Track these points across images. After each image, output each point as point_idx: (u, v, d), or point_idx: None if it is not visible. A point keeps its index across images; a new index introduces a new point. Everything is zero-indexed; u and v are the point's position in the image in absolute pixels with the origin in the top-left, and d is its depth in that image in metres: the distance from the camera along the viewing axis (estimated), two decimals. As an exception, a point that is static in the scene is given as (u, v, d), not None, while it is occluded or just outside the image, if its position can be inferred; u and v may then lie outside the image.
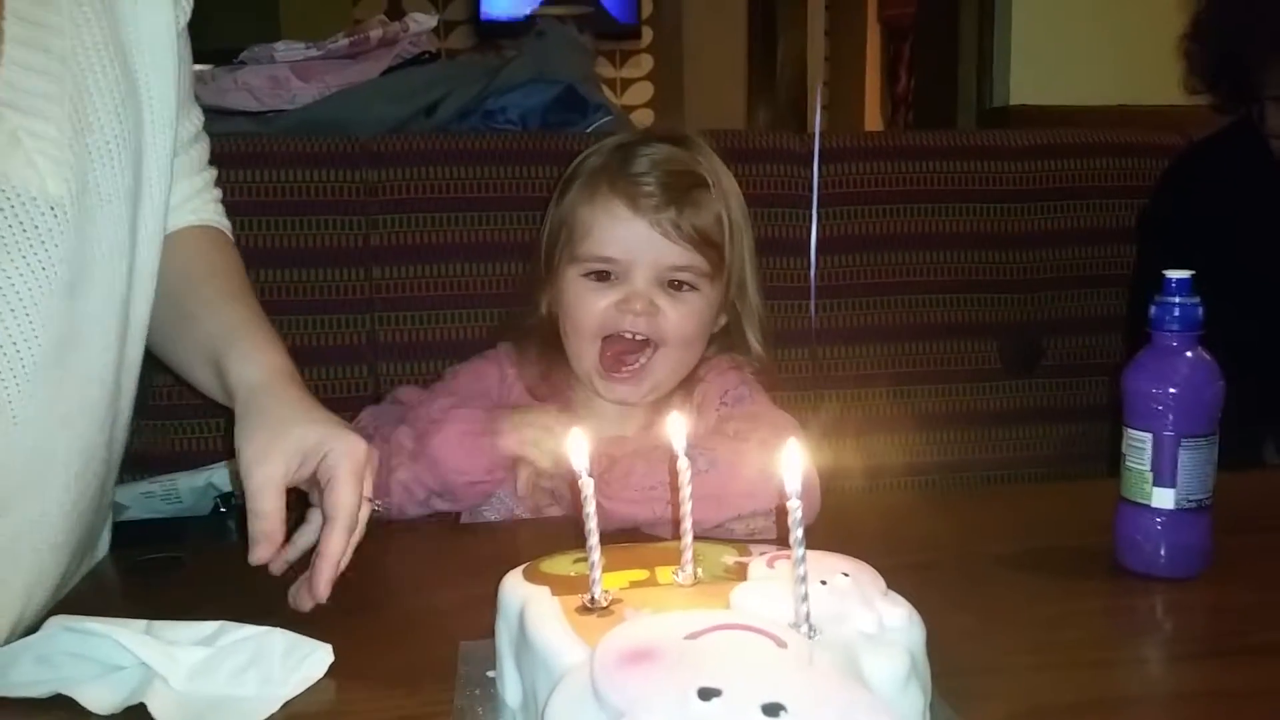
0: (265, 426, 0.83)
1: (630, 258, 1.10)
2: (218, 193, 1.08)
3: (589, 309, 1.11)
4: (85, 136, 0.80)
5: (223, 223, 1.06)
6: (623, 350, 1.11)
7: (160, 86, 0.89)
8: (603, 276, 1.11)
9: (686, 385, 1.16)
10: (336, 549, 0.79)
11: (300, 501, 0.88)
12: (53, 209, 0.78)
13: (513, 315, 1.23)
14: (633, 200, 1.09)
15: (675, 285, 1.11)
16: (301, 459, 0.82)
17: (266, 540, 0.80)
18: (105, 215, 0.83)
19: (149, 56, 0.88)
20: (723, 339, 1.19)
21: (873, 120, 5.26)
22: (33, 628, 0.76)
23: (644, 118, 5.15)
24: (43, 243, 0.78)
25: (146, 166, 0.88)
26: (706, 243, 1.11)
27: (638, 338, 1.10)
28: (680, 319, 1.11)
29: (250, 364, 0.88)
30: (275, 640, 0.71)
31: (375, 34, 1.69)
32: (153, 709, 0.65)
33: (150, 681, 0.67)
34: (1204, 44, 1.56)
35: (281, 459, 0.81)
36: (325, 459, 0.82)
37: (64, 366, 0.81)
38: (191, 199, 1.02)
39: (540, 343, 1.16)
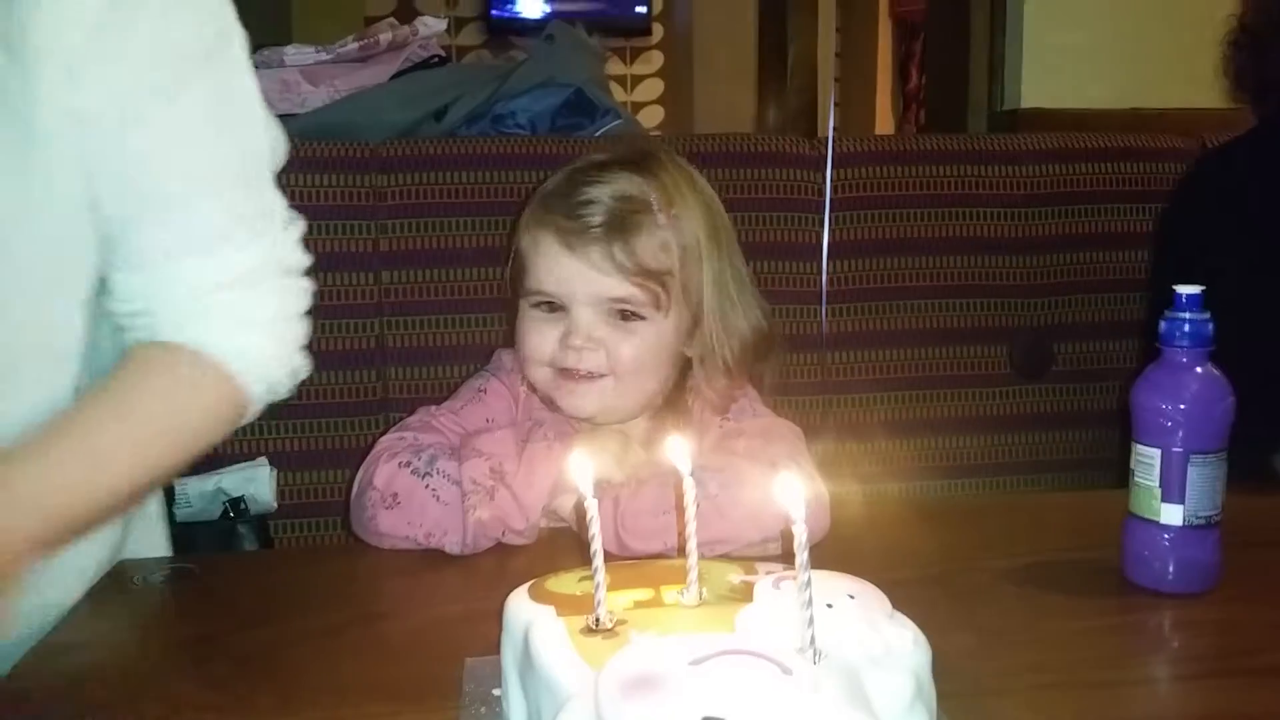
0: None
1: (567, 292, 1.07)
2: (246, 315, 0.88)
3: (538, 341, 1.09)
4: None
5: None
6: (574, 379, 1.08)
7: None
8: (552, 307, 1.09)
9: (682, 400, 1.14)
10: None
11: None
12: None
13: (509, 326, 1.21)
14: (565, 236, 1.07)
15: (622, 315, 1.08)
16: None
17: None
18: None
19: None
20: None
21: (884, 118, 5.24)
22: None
23: (653, 114, 5.15)
24: None
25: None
26: (647, 274, 1.07)
27: (585, 372, 1.08)
28: (630, 350, 1.08)
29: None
30: None
31: (385, 37, 1.70)
32: None
33: None
34: (1252, 52, 1.47)
35: None
36: None
37: None
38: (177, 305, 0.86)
39: None
